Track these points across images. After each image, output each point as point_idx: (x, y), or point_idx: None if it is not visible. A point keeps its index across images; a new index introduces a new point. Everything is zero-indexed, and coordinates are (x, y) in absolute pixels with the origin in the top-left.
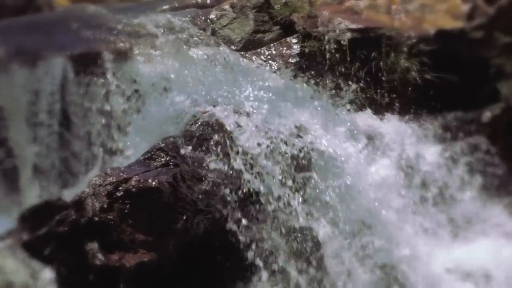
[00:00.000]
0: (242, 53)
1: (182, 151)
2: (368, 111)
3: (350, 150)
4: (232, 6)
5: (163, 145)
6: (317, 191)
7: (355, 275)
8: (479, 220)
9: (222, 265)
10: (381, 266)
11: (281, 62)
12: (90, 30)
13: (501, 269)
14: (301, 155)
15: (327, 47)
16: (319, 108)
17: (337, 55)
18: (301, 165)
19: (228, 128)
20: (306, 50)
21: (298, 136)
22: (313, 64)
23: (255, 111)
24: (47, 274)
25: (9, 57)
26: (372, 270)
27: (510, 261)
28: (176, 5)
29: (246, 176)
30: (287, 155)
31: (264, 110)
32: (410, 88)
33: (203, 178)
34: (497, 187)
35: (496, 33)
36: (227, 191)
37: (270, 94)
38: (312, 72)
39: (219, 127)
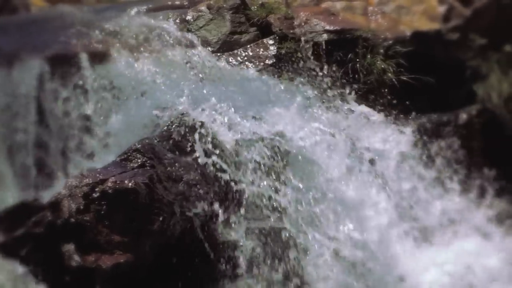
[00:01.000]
0: (218, 54)
1: (159, 153)
2: (345, 112)
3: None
4: (209, 7)
5: (139, 146)
6: (294, 191)
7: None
8: (455, 221)
9: (199, 266)
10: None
11: (257, 63)
12: (66, 31)
13: (476, 270)
14: (278, 155)
15: (303, 48)
16: (295, 108)
17: (313, 56)
18: (278, 164)
19: (205, 129)
20: (283, 51)
21: (274, 135)
22: (289, 65)
23: (231, 112)
24: (23, 275)
25: None
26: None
27: (485, 262)
28: (153, 6)
29: (223, 176)
30: (263, 154)
31: (240, 110)
32: (386, 90)
33: (180, 179)
34: (473, 188)
35: (472, 35)
36: (204, 192)
37: (247, 95)
38: (289, 73)
39: (196, 128)
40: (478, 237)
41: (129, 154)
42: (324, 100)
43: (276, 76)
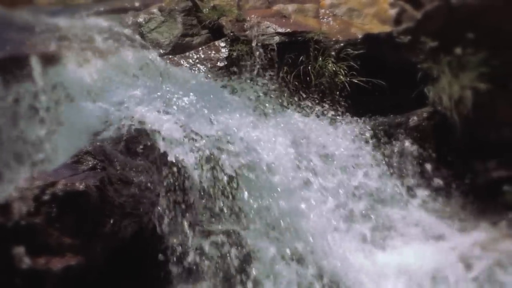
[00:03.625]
0: (170, 56)
1: (110, 155)
2: (296, 114)
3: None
4: (161, 9)
5: (90, 148)
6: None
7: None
8: (408, 222)
9: (150, 268)
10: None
11: (209, 65)
12: (18, 33)
13: (425, 271)
14: (228, 155)
15: (255, 51)
16: (246, 110)
17: (265, 59)
18: (228, 165)
19: (156, 131)
20: (234, 53)
21: (222, 136)
22: (241, 68)
23: (182, 114)
24: None
25: None
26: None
27: (435, 263)
28: (105, 9)
29: (174, 178)
30: (214, 156)
31: (191, 113)
32: (338, 92)
33: (131, 182)
34: (425, 190)
35: (423, 37)
36: (155, 194)
37: (198, 97)
38: (241, 76)
39: (147, 130)
40: (430, 239)
41: (80, 156)
42: (274, 102)
43: (227, 78)
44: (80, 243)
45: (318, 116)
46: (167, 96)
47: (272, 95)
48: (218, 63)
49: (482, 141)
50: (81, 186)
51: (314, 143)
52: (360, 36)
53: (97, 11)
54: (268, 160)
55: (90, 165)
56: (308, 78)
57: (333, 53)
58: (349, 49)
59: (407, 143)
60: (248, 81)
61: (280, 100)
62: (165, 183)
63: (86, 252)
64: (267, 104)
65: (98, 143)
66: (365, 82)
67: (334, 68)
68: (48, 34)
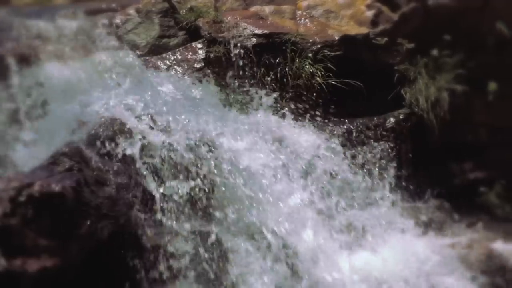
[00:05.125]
0: (147, 58)
1: (86, 156)
2: (274, 115)
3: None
4: (138, 10)
5: (66, 150)
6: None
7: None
8: (383, 224)
9: (128, 270)
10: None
11: (186, 67)
12: None
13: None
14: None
15: (232, 52)
16: (222, 112)
17: (243, 60)
18: (204, 165)
19: (132, 132)
20: (212, 55)
21: (201, 137)
22: (218, 69)
23: (159, 114)
24: None
25: None
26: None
27: (411, 264)
28: (82, 10)
29: (150, 179)
30: (189, 157)
31: (168, 114)
32: (315, 94)
33: (107, 183)
34: (401, 192)
35: (400, 39)
36: (132, 195)
37: (175, 99)
38: (218, 77)
39: (123, 131)
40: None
41: (56, 158)
42: (250, 104)
43: (204, 80)
44: (56, 244)
45: (295, 118)
46: (144, 97)
47: (248, 96)
48: (195, 64)
49: (458, 143)
50: (57, 188)
51: (286, 144)
52: (337, 38)
53: (74, 12)
54: (244, 165)
55: (67, 167)
56: (285, 80)
57: (310, 54)
58: (326, 51)
59: (383, 145)
60: (225, 82)
61: (256, 101)
62: (141, 185)
63: (62, 253)
64: (241, 105)
65: (74, 144)
66: (342, 84)
67: (311, 70)
68: (24, 35)
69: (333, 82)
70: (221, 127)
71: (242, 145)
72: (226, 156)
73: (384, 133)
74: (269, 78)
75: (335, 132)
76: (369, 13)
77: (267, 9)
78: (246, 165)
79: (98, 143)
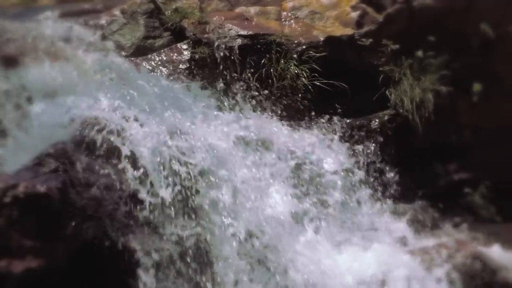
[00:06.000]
0: (132, 58)
1: (72, 157)
2: (259, 116)
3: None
4: (123, 11)
5: (52, 151)
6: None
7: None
8: (369, 225)
9: (113, 272)
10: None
11: (171, 68)
12: None
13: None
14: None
15: (217, 53)
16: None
17: (228, 61)
18: (189, 167)
19: (118, 133)
20: (197, 56)
21: (185, 139)
22: (204, 70)
23: (144, 116)
24: None
25: None
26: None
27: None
28: (66, 11)
29: (136, 181)
30: (174, 158)
31: (153, 115)
32: (299, 94)
33: (93, 184)
34: (386, 192)
35: (385, 40)
36: (117, 196)
37: (159, 100)
38: (203, 78)
39: (109, 132)
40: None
41: (41, 158)
42: (234, 105)
43: (189, 80)
44: (41, 245)
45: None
46: (129, 98)
47: (233, 97)
48: (180, 65)
49: (443, 144)
50: (42, 189)
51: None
52: (322, 39)
53: (59, 13)
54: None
55: (52, 168)
56: (270, 81)
57: (295, 55)
58: (311, 52)
59: (368, 146)
60: (210, 83)
61: (241, 102)
62: (127, 186)
63: (47, 254)
64: (227, 106)
65: (60, 145)
66: (327, 85)
67: (296, 71)
68: (9, 37)
69: (318, 83)
70: (207, 127)
71: (223, 146)
72: (219, 159)
73: (369, 134)
74: (254, 79)
75: (320, 133)
76: (354, 14)
77: (252, 10)
78: (229, 167)
79: (84, 144)
